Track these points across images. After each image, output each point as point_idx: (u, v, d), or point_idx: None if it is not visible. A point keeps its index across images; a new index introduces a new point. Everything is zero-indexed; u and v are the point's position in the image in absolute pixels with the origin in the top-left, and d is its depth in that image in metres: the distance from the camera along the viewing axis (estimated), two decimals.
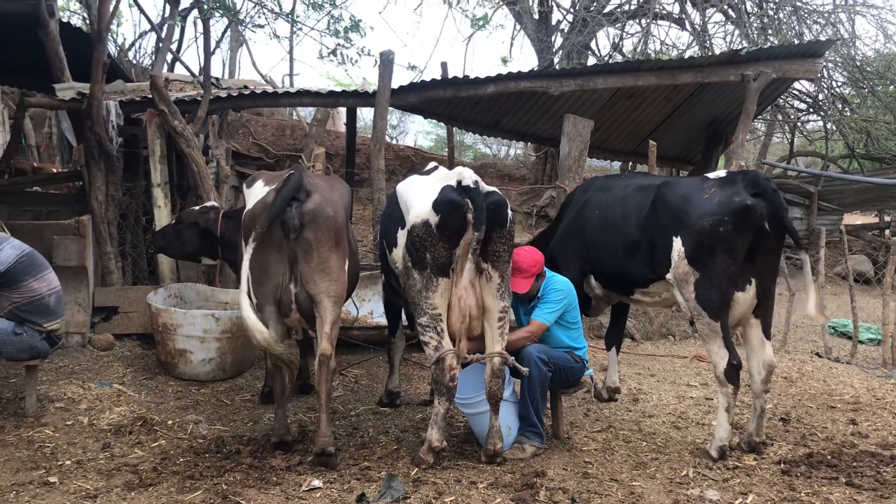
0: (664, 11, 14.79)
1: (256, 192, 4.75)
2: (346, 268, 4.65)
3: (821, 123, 17.54)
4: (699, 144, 11.97)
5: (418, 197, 4.47)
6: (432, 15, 53.25)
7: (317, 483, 4.07)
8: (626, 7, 14.71)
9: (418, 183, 4.67)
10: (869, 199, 14.33)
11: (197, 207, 6.41)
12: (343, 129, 14.53)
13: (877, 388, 6.59)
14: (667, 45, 15.13)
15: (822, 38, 12.00)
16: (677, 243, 4.76)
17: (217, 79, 10.70)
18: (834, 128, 16.33)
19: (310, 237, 4.42)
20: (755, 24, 13.99)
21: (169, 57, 12.62)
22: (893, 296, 7.83)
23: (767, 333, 4.92)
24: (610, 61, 13.61)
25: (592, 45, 15.47)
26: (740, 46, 12.48)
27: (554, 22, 15.40)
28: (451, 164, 11.78)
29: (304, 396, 5.92)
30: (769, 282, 4.85)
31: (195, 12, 8.55)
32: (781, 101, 15.01)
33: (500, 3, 15.97)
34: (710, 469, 4.53)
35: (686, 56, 13.18)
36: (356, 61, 18.82)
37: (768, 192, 4.63)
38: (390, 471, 4.26)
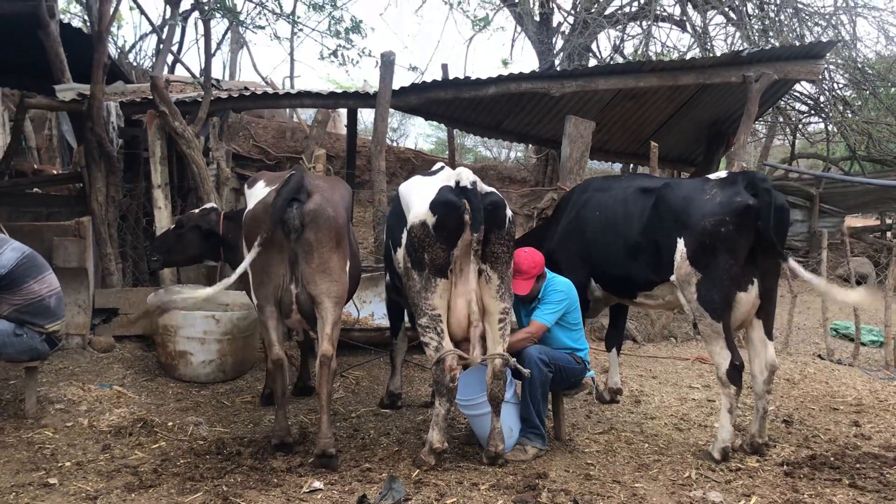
0: (665, 13, 14.79)
1: (257, 193, 4.74)
2: (348, 269, 4.63)
3: (822, 125, 17.51)
4: (701, 146, 11.97)
5: (417, 197, 4.47)
6: (433, 16, 53.46)
7: (318, 485, 4.06)
8: (627, 9, 14.71)
9: (420, 183, 4.67)
10: (870, 201, 14.32)
11: (196, 210, 6.39)
12: (344, 131, 14.53)
13: (879, 391, 6.56)
14: (668, 47, 15.15)
15: (824, 40, 11.99)
16: (680, 244, 4.75)
17: (217, 80, 10.69)
18: (835, 130, 16.31)
19: (310, 238, 4.41)
20: (756, 26, 13.99)
21: (169, 58, 12.64)
22: (895, 298, 7.81)
23: (769, 334, 4.90)
24: (611, 63, 13.62)
25: (593, 47, 15.49)
26: (741, 48, 12.47)
27: (555, 24, 15.40)
28: (452, 166, 11.75)
29: (305, 398, 5.90)
30: (771, 282, 4.84)
31: (196, 14, 8.54)
32: (783, 103, 15.00)
33: (502, 5, 15.99)
34: (713, 471, 4.51)
35: (687, 58, 13.17)
36: (357, 62, 18.85)
37: (761, 192, 4.60)
38: (391, 472, 4.24)
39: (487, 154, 24.95)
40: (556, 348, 4.85)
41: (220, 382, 6.27)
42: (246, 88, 9.49)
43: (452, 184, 4.38)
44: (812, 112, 16.67)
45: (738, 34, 13.96)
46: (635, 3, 14.72)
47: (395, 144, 20.21)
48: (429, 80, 9.50)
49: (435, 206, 4.31)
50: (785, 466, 4.56)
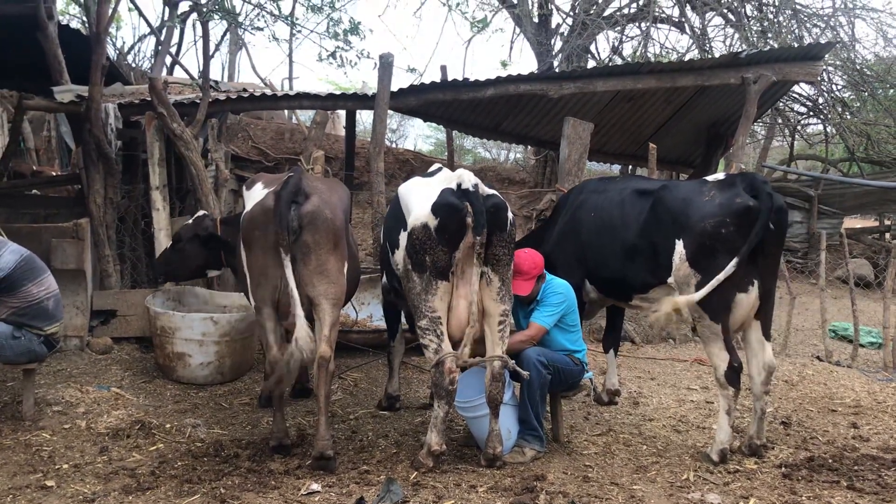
0: (664, 15, 14.80)
1: (255, 195, 4.73)
2: (346, 270, 4.63)
3: (821, 127, 17.55)
4: (699, 147, 11.96)
5: (418, 200, 4.46)
6: (432, 18, 53.39)
7: (315, 487, 4.06)
8: (626, 10, 14.72)
9: (419, 185, 4.66)
10: (869, 202, 14.36)
11: (188, 221, 6.37)
12: (342, 132, 14.53)
13: (878, 392, 6.56)
14: (666, 48, 15.16)
15: (822, 41, 11.99)
16: (679, 246, 4.75)
17: (216, 82, 10.69)
18: (834, 131, 16.34)
19: (308, 239, 4.40)
20: (755, 28, 14.00)
21: (168, 60, 12.61)
22: (894, 299, 7.81)
23: (767, 335, 4.90)
24: (610, 64, 13.63)
25: (592, 48, 15.48)
26: (740, 49, 12.48)
27: (553, 25, 15.40)
28: (451, 168, 11.76)
29: (303, 400, 5.89)
30: (770, 283, 4.84)
31: (194, 15, 8.52)
32: (781, 104, 15.02)
33: (500, 7, 16.00)
34: (711, 473, 4.50)
35: (686, 59, 13.18)
36: (356, 64, 18.82)
37: (762, 194, 4.60)
38: (389, 474, 4.24)
39: (486, 155, 24.98)
40: (554, 350, 4.85)
41: (219, 384, 6.27)
42: (244, 90, 9.50)
43: (454, 186, 4.37)
44: (811, 113, 16.69)
45: (736, 36, 13.98)
46: (634, 5, 14.73)
47: (393, 146, 20.20)
48: (427, 81, 9.48)
49: (437, 209, 4.31)
50: (783, 468, 4.55)
